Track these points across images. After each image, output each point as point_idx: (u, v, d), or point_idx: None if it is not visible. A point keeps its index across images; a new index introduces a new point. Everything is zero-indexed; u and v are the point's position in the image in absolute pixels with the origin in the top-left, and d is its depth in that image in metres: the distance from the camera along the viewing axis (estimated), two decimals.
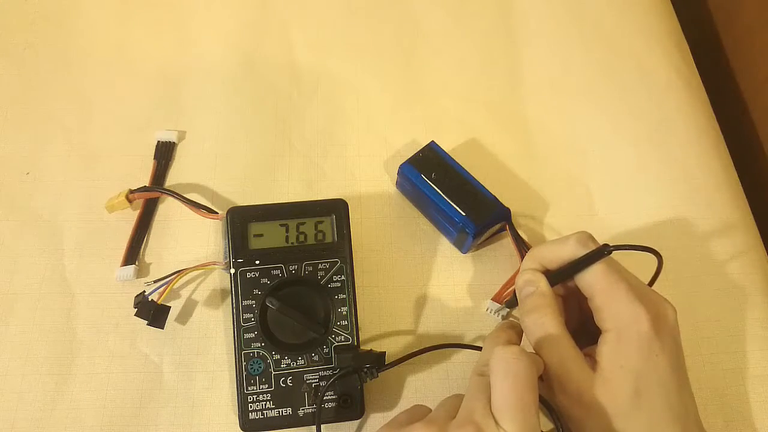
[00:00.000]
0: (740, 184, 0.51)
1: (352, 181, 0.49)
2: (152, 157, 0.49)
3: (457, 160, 0.46)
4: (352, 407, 0.39)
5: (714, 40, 0.63)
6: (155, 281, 0.42)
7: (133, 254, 0.45)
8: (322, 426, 0.38)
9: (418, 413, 0.35)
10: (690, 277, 0.46)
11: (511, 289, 0.44)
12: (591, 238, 0.36)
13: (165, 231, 0.46)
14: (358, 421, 0.40)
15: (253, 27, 0.56)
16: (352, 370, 0.39)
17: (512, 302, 0.43)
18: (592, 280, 0.34)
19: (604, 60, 0.56)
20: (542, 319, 0.35)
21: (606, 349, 0.33)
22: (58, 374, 0.41)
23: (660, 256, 0.36)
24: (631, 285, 0.34)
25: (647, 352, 0.32)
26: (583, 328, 0.37)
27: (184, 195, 0.45)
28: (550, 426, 0.33)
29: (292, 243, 0.40)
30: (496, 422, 0.29)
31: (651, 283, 0.37)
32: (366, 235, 0.47)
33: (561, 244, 0.36)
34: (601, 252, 0.34)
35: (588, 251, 0.35)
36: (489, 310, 0.44)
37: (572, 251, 0.35)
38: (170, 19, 0.55)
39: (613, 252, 0.34)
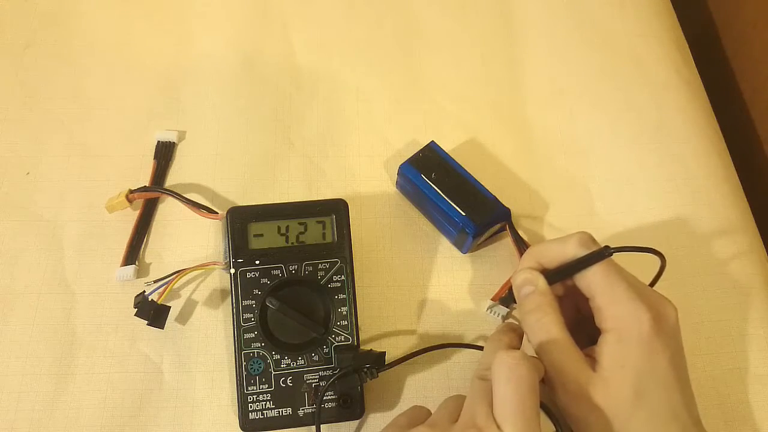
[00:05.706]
0: (740, 184, 0.51)
1: (352, 181, 0.49)
2: (152, 157, 0.49)
3: (457, 160, 0.46)
4: (352, 407, 0.39)
5: (714, 40, 0.63)
6: (155, 281, 0.42)
7: (133, 254, 0.45)
8: (322, 426, 0.38)
9: (418, 415, 0.35)
10: (690, 277, 0.46)
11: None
12: (592, 239, 0.35)
13: (165, 231, 0.46)
14: (358, 421, 0.40)
15: (253, 27, 0.56)
16: (352, 370, 0.39)
17: (506, 300, 0.43)
18: (593, 280, 0.34)
19: (604, 60, 0.56)
20: (543, 319, 0.35)
21: (607, 349, 0.33)
22: (58, 374, 0.41)
23: (663, 256, 0.36)
24: (632, 285, 0.34)
25: (648, 351, 0.32)
26: (581, 329, 0.36)
27: (184, 195, 0.45)
28: (552, 429, 0.33)
29: (292, 243, 0.40)
30: (498, 427, 0.29)
31: (653, 283, 0.37)
32: (366, 235, 0.47)
33: (561, 244, 0.36)
34: (602, 254, 0.34)
35: (589, 252, 0.35)
36: (489, 310, 0.44)
37: (573, 252, 0.35)
38: (170, 19, 0.55)
39: (614, 253, 0.34)
